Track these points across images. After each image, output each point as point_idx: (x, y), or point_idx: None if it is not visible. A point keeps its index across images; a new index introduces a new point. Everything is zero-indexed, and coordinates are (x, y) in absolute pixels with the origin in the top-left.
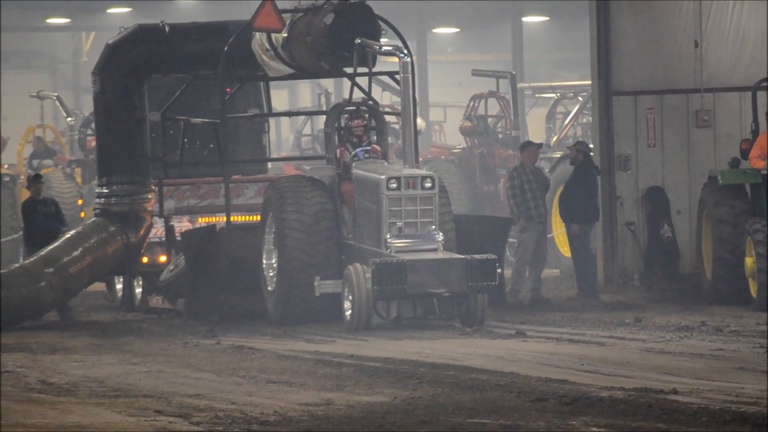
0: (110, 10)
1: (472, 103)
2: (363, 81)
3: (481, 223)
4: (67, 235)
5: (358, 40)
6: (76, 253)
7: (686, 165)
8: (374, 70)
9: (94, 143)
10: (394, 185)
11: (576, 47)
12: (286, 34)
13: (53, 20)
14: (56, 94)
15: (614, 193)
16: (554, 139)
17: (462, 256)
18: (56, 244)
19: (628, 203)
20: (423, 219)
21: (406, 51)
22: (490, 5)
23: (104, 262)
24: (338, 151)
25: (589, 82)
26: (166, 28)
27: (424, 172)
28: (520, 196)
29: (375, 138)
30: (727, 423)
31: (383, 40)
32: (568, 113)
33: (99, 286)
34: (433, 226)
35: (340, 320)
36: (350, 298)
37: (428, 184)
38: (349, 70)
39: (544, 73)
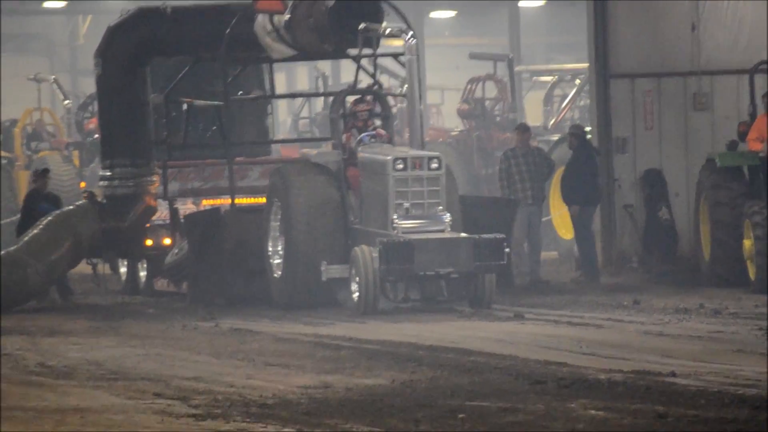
0: None
1: (469, 86)
2: (364, 64)
3: (488, 204)
4: (46, 221)
5: (362, 25)
6: (55, 237)
7: (684, 148)
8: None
9: (91, 126)
10: (401, 166)
11: (573, 30)
12: (288, 16)
13: (50, 4)
14: (53, 77)
15: (612, 176)
16: (551, 122)
17: (469, 236)
18: (35, 231)
19: (626, 186)
20: (430, 200)
21: (411, 32)
22: None
23: (81, 245)
24: (344, 136)
25: (587, 65)
26: (168, 10)
27: (430, 152)
28: (506, 179)
29: (379, 122)
30: (726, 405)
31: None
32: (566, 96)
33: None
34: (441, 207)
35: (344, 305)
36: (357, 279)
37: (434, 165)
38: (353, 52)
39: (542, 56)
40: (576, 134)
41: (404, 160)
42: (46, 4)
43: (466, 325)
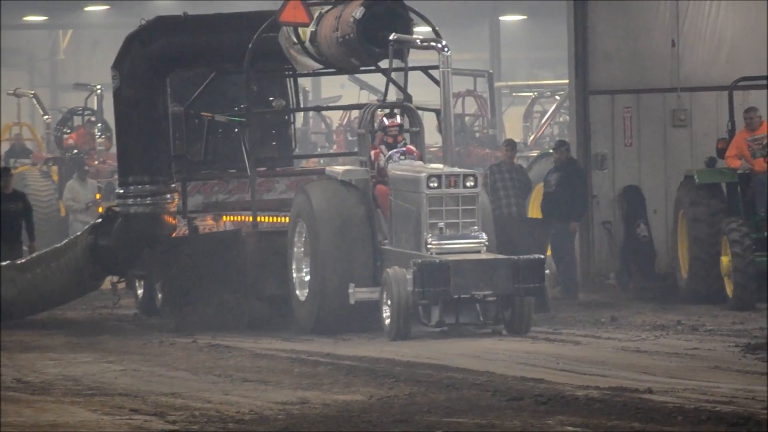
0: (87, 8)
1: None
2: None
3: (521, 224)
4: (64, 241)
5: (393, 36)
6: (51, 258)
7: (663, 164)
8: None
9: (70, 141)
10: (435, 184)
11: (553, 46)
12: (313, 29)
13: (30, 18)
14: (33, 92)
15: (591, 192)
16: (531, 137)
17: (508, 257)
18: (44, 250)
19: (604, 202)
20: (465, 219)
21: (444, 42)
22: (468, 4)
23: (71, 268)
24: (372, 152)
25: (566, 81)
26: (188, 19)
27: (466, 170)
28: (491, 194)
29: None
30: (702, 422)
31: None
32: (545, 112)
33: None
34: (476, 227)
35: (376, 329)
36: (389, 302)
37: (470, 183)
38: (383, 65)
39: (522, 72)
40: (566, 149)
41: (439, 177)
42: (26, 18)
43: (444, 341)
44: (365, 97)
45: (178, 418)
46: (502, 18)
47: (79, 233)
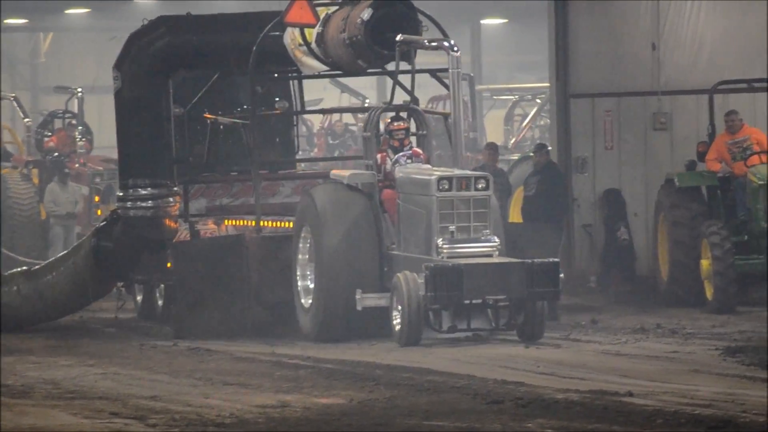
0: (68, 11)
1: (430, 105)
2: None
3: (531, 229)
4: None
5: (400, 37)
6: (58, 264)
7: (643, 167)
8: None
9: (51, 144)
10: (446, 186)
11: (534, 49)
12: (320, 30)
13: (11, 21)
14: (14, 94)
15: (571, 196)
16: (512, 141)
17: (521, 261)
18: (56, 256)
19: (585, 205)
20: (476, 222)
21: (452, 42)
22: (448, 7)
23: (74, 272)
24: (379, 156)
25: (547, 85)
26: (191, 20)
27: (477, 172)
28: None
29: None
30: (682, 425)
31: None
32: (527, 115)
33: None
34: (488, 230)
35: (382, 336)
36: (399, 308)
37: (482, 185)
38: (390, 67)
39: (503, 75)
40: (546, 152)
41: (449, 180)
42: (7, 21)
43: (424, 345)
44: (347, 100)
45: (158, 422)
46: (483, 21)
47: (83, 238)
